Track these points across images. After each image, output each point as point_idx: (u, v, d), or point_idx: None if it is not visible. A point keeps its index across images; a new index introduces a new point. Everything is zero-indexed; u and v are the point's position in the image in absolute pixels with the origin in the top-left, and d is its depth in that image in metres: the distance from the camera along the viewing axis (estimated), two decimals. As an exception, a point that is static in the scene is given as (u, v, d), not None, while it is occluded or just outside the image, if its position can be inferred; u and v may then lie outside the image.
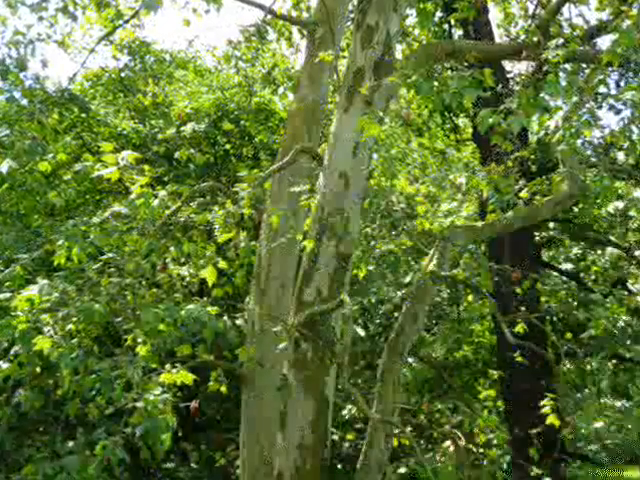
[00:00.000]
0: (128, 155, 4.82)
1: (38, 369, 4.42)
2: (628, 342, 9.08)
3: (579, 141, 6.81)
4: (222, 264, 5.01)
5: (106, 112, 12.05)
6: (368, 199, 6.40)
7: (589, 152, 10.06)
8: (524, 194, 5.90)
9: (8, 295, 4.48)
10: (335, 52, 6.24)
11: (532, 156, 10.53)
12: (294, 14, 8.89)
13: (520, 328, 5.71)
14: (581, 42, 4.79)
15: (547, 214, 6.16)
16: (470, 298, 9.85)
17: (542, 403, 5.47)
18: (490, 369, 12.11)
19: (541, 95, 4.39)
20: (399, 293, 11.08)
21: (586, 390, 12.02)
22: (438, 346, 13.02)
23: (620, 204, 10.74)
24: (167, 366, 4.47)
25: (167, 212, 5.12)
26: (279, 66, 11.05)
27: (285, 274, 6.33)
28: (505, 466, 10.80)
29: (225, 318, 4.60)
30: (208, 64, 15.36)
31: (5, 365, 4.43)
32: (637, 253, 11.15)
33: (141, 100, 11.26)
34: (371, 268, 6.43)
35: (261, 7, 7.41)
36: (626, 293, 10.27)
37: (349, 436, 10.93)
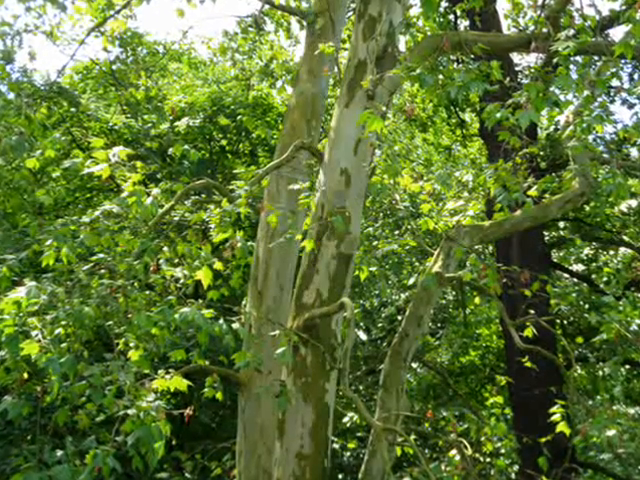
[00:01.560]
0: (120, 151, 4.82)
1: (25, 375, 4.42)
2: (642, 347, 9.08)
3: (590, 137, 6.82)
4: (218, 265, 5.01)
5: (97, 106, 12.05)
6: (370, 197, 6.41)
7: (601, 148, 10.08)
8: (533, 192, 5.90)
9: (-6, 297, 4.47)
10: (336, 44, 6.25)
11: (541, 152, 10.55)
12: (293, 4, 8.89)
13: (529, 332, 5.72)
14: (593, 33, 4.79)
15: (557, 213, 6.17)
16: (477, 301, 9.85)
17: (552, 410, 5.47)
18: (498, 375, 12.12)
19: (551, 89, 4.40)
20: (403, 295, 11.10)
21: (598, 397, 12.03)
22: (443, 351, 13.05)
23: (633, 202, 10.75)
24: (160, 372, 4.46)
25: (160, 211, 5.11)
26: (277, 58, 11.05)
27: (284, 276, 6.34)
28: (513, 476, 10.81)
29: (221, 322, 4.58)
30: (203, 56, 15.40)
31: (-9, 371, 4.43)
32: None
33: (133, 94, 11.26)
34: (373, 269, 6.42)
35: (259, -3, 7.42)
36: (640, 295, 10.27)
37: (350, 445, 10.94)
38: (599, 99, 4.75)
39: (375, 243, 7.74)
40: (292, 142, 5.76)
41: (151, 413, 3.96)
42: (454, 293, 12.43)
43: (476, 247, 6.25)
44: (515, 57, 12.02)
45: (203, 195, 6.37)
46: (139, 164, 4.98)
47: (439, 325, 13.33)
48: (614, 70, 4.67)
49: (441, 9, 11.81)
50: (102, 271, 4.92)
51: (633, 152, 10.60)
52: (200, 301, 4.70)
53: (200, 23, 28.73)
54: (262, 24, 9.80)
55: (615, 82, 4.97)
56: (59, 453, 4.18)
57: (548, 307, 9.00)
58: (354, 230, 5.26)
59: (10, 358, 4.30)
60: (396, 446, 5.41)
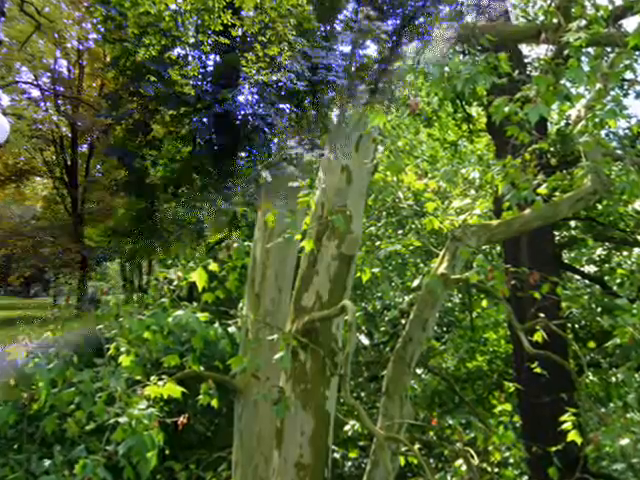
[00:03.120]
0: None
1: (12, 381, 4.42)
2: (657, 352, 9.09)
3: (603, 132, 6.82)
4: (213, 266, 5.01)
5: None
6: (372, 195, 6.41)
7: (614, 144, 10.09)
8: (543, 190, 5.90)
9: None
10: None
11: (552, 148, 10.55)
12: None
13: (539, 336, 5.72)
14: (605, 24, 4.78)
15: (568, 212, 6.16)
16: (484, 303, 9.86)
17: (563, 418, 5.47)
18: (506, 381, 12.12)
19: (562, 82, 4.39)
20: (406, 298, 11.09)
21: (611, 404, 12.03)
22: (449, 356, 13.04)
23: (648, 201, 10.74)
24: (153, 378, 4.47)
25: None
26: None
27: (282, 277, 6.34)
28: (522, 487, 10.82)
29: (216, 325, 4.59)
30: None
31: (-24, 377, 4.43)
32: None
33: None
34: (376, 270, 6.43)
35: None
36: (654, 298, 10.28)
37: (352, 454, 10.94)
38: (612, 92, 4.75)
39: (377, 243, 7.74)
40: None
41: (143, 421, 3.96)
42: (460, 296, 12.44)
43: (483, 247, 6.25)
44: (524, 48, 12.03)
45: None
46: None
47: (445, 329, 13.34)
48: (628, 62, 4.67)
49: (447, -2, 11.79)
50: (92, 272, 4.92)
51: (647, 148, 10.58)
52: (195, 304, 4.71)
53: None
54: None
55: (629, 75, 4.98)
56: (47, 463, 4.19)
57: (559, 310, 9.02)
58: (355, 230, 5.26)
59: (-4, 363, 4.30)
60: (400, 455, 5.41)
